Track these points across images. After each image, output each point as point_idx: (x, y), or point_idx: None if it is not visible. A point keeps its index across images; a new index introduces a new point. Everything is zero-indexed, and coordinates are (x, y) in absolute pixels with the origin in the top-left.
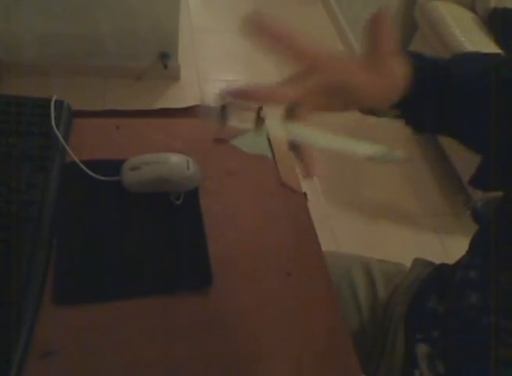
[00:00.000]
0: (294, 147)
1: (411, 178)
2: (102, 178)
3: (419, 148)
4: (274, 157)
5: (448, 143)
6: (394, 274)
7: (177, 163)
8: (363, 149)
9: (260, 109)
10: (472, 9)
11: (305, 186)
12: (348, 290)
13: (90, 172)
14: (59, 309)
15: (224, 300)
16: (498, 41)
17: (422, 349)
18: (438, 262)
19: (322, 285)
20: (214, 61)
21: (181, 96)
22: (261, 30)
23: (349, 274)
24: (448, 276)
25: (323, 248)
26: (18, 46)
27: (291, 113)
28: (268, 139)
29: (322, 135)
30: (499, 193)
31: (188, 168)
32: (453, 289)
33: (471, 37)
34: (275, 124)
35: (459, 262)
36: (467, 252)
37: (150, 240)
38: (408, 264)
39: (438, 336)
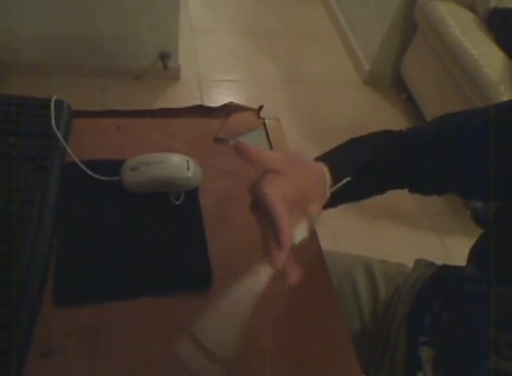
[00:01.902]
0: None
1: None
2: (102, 178)
3: None
4: None
5: None
6: (396, 274)
7: (177, 163)
8: None
9: (260, 108)
10: (472, 8)
11: None
12: (350, 290)
13: (90, 172)
14: (59, 309)
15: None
16: (498, 41)
17: (427, 352)
18: (438, 261)
19: (322, 285)
20: (214, 61)
21: (181, 96)
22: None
23: (350, 274)
24: (453, 283)
25: (323, 248)
26: (18, 46)
27: None
28: (269, 139)
29: None
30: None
31: (188, 168)
32: (455, 301)
33: (471, 37)
34: None
35: (460, 269)
36: (467, 264)
37: (150, 240)
38: (408, 264)
39: (442, 342)
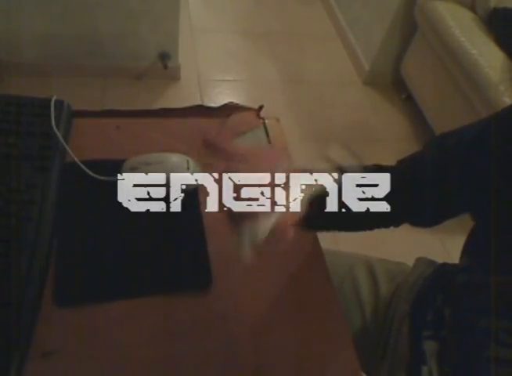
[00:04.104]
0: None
1: None
2: (102, 178)
3: (419, 148)
4: None
5: None
6: (397, 273)
7: (177, 163)
8: None
9: (260, 108)
10: (472, 8)
11: None
12: (351, 288)
13: (90, 172)
14: (59, 309)
15: (224, 300)
16: (498, 41)
17: (431, 346)
18: (438, 261)
19: (322, 285)
20: (214, 61)
21: (181, 96)
22: None
23: (352, 272)
24: (450, 277)
25: (324, 248)
26: (18, 46)
27: None
28: (269, 139)
29: None
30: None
31: (188, 168)
32: (454, 292)
33: (471, 38)
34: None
35: (458, 264)
36: (461, 257)
37: (150, 240)
38: (409, 264)
39: (446, 336)
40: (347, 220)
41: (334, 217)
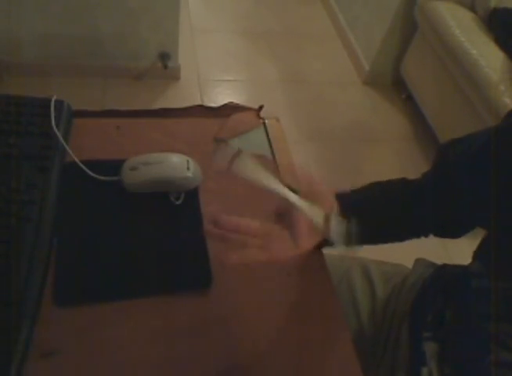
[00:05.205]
0: (281, 217)
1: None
2: (102, 178)
3: (419, 148)
4: (274, 157)
5: None
6: (393, 274)
7: (177, 163)
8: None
9: (260, 108)
10: (472, 8)
11: None
12: (347, 291)
13: (90, 172)
14: (59, 309)
15: (224, 300)
16: (498, 41)
17: (431, 348)
18: (439, 262)
19: (322, 285)
20: (214, 61)
21: (181, 96)
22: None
23: (348, 276)
24: (452, 279)
25: (324, 250)
26: (18, 46)
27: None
28: (269, 139)
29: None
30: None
31: (188, 168)
32: (457, 297)
33: (471, 37)
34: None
35: (461, 267)
36: (472, 261)
37: (150, 240)
38: (409, 264)
39: (446, 337)
40: (382, 234)
41: (369, 233)
